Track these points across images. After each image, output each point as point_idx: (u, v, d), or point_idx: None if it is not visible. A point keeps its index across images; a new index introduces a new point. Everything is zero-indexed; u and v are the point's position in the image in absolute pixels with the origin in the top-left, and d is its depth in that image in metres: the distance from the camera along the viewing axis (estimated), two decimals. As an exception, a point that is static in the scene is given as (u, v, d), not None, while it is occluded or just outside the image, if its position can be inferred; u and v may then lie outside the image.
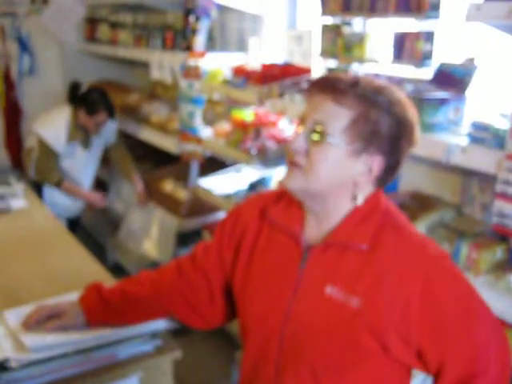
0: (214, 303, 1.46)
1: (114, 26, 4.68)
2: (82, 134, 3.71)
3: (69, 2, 5.18)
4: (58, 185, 3.68)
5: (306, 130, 1.22)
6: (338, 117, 1.19)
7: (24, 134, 5.22)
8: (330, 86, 1.21)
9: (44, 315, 1.52)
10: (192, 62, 3.35)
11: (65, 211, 3.88)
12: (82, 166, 3.82)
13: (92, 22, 5.17)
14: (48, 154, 3.62)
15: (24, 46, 5.20)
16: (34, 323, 1.50)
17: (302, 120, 1.25)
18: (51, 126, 3.65)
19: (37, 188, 3.68)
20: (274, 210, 1.36)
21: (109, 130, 3.87)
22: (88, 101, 3.60)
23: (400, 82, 2.32)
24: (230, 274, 1.43)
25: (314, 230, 1.30)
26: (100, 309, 1.51)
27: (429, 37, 2.33)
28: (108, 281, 1.97)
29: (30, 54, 5.24)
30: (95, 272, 2.12)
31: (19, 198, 2.95)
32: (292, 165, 1.24)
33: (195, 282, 1.46)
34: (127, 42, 4.42)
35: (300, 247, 1.29)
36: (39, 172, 3.68)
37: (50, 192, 3.75)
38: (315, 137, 1.20)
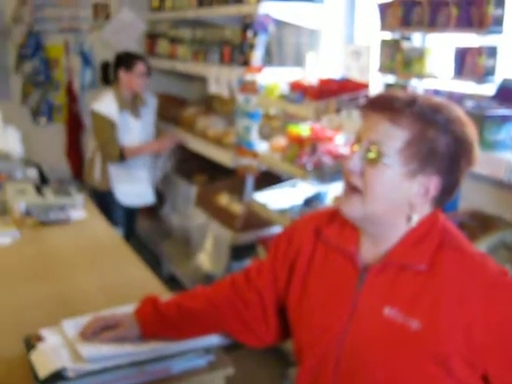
0: (268, 321, 1.46)
1: (173, 40, 4.77)
2: (129, 103, 3.90)
3: (130, 17, 5.33)
4: (122, 155, 3.80)
5: (361, 149, 1.21)
6: (394, 137, 1.17)
7: (85, 145, 5.37)
8: (386, 105, 1.20)
9: (100, 326, 1.54)
10: (249, 76, 3.38)
11: (138, 199, 4.05)
12: (137, 136, 3.94)
13: (152, 37, 5.28)
14: (105, 126, 3.78)
15: (86, 60, 5.35)
16: (90, 334, 1.53)
17: (358, 139, 1.23)
18: (100, 100, 3.86)
19: (96, 197, 3.84)
20: (329, 229, 1.35)
21: (153, 106, 4.10)
22: (123, 60, 3.86)
23: (461, 98, 2.27)
24: (284, 293, 1.42)
25: (369, 251, 1.28)
26: (155, 321, 1.52)
27: (491, 52, 2.27)
28: (163, 293, 1.99)
29: (92, 68, 5.39)
30: (151, 284, 2.14)
31: (79, 208, 3.01)
32: (349, 189, 1.23)
33: (248, 299, 1.46)
34: (186, 56, 4.49)
35: (356, 268, 1.27)
36: (102, 150, 3.83)
37: (119, 183, 3.91)
38: (370, 158, 1.19)
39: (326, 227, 1.36)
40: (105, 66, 4.03)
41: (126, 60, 3.86)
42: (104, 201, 3.87)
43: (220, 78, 3.73)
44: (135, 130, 3.93)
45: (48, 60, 5.23)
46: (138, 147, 3.91)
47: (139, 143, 3.95)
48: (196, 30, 4.39)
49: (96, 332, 1.52)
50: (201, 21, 4.46)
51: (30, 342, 1.55)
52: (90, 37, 5.33)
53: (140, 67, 3.84)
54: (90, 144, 4.02)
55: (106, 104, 3.82)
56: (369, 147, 1.19)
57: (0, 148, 3.80)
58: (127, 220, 4.11)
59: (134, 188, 3.99)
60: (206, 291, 1.53)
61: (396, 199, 1.20)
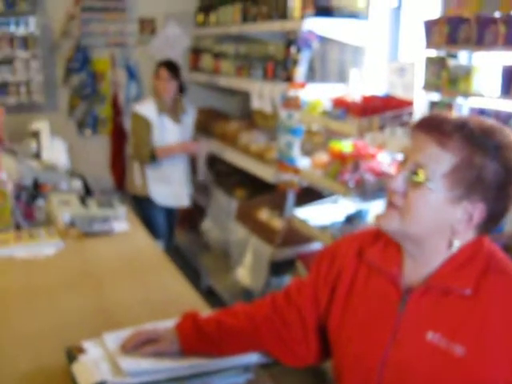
0: (308, 341, 1.44)
1: (217, 56, 4.82)
2: (169, 108, 4.04)
3: (175, 32, 5.41)
4: (153, 155, 3.93)
5: (406, 171, 1.19)
6: (441, 161, 1.15)
7: (128, 157, 5.47)
8: (435, 128, 1.17)
9: (141, 340, 1.55)
10: (292, 92, 3.38)
11: (173, 199, 4.15)
12: (174, 138, 4.06)
13: (196, 52, 5.35)
14: (141, 126, 3.94)
15: (132, 73, 5.46)
16: (131, 347, 1.54)
17: (404, 158, 1.22)
18: (141, 104, 4.09)
19: (138, 204, 4.05)
20: (372, 250, 1.33)
21: (192, 116, 4.23)
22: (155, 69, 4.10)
23: (507, 117, 2.23)
24: (325, 313, 1.40)
25: (412, 273, 1.26)
26: (195, 337, 1.52)
27: (541, 71, 2.22)
28: (203, 308, 1.99)
29: (137, 82, 5.49)
30: (191, 299, 2.15)
31: (122, 220, 3.05)
32: (389, 205, 1.22)
33: (289, 318, 1.45)
34: (229, 71, 4.53)
35: (399, 290, 1.26)
36: (135, 150, 4.00)
37: (155, 184, 4.03)
38: (414, 180, 1.17)
39: (369, 248, 1.34)
40: None
41: (156, 67, 4.09)
42: (145, 207, 4.05)
43: (263, 94, 3.75)
44: (174, 134, 4.05)
45: (95, 73, 5.36)
46: (169, 147, 4.02)
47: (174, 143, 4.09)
48: (240, 45, 4.43)
49: (137, 346, 1.53)
50: (244, 36, 4.49)
51: (72, 354, 1.57)
52: (136, 51, 5.44)
53: (162, 72, 4.02)
54: (128, 151, 4.16)
55: (145, 106, 4.00)
56: (414, 169, 1.18)
57: (47, 159, 3.89)
58: (167, 227, 4.19)
59: (169, 189, 4.10)
60: (246, 309, 1.53)
61: (437, 223, 1.18)
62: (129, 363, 1.48)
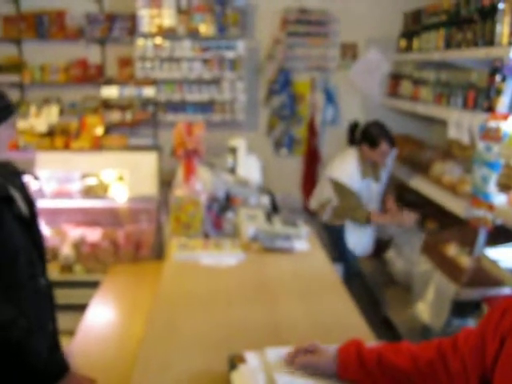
0: None
1: (417, 82, 4.70)
2: (372, 169, 3.97)
3: (376, 58, 5.39)
4: (368, 219, 3.90)
5: None
6: None
7: (319, 179, 5.54)
8: None
9: (301, 352, 1.57)
10: (493, 123, 3.17)
11: (359, 248, 4.15)
12: (375, 197, 4.07)
13: (395, 78, 5.27)
14: (347, 195, 3.88)
15: (330, 97, 5.53)
16: (290, 356, 1.57)
17: None
18: (344, 169, 3.93)
19: (327, 228, 4.08)
20: None
21: (392, 159, 4.12)
22: (368, 136, 3.87)
23: None
24: (491, 368, 1.28)
25: None
26: (354, 364, 1.49)
27: None
28: (369, 337, 1.95)
29: (335, 106, 5.55)
30: (359, 326, 2.11)
31: (303, 240, 3.10)
32: None
33: (452, 367, 1.35)
34: (428, 98, 4.39)
35: None
36: (349, 214, 3.95)
37: (352, 233, 4.04)
38: None
39: None
40: (353, 127, 4.07)
41: (370, 138, 3.86)
42: (334, 233, 4.07)
43: (461, 123, 3.57)
44: (374, 192, 4.04)
45: (294, 95, 5.52)
46: (385, 218, 4.02)
47: (376, 202, 4.08)
48: (441, 72, 4.27)
49: (296, 355, 1.57)
50: (446, 62, 4.33)
51: (233, 362, 1.63)
52: (336, 75, 5.51)
53: (384, 147, 3.83)
54: (326, 186, 4.09)
55: (347, 174, 3.90)
56: None
57: (241, 174, 4.09)
58: (352, 257, 4.15)
59: (359, 237, 4.09)
60: (411, 348, 1.46)
61: None
62: (284, 379, 1.49)
